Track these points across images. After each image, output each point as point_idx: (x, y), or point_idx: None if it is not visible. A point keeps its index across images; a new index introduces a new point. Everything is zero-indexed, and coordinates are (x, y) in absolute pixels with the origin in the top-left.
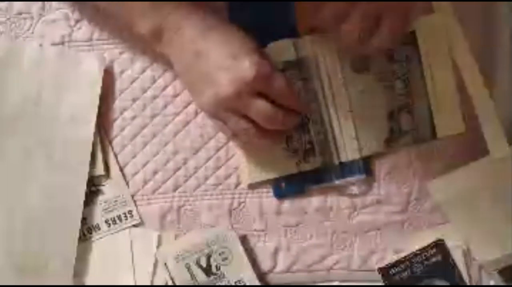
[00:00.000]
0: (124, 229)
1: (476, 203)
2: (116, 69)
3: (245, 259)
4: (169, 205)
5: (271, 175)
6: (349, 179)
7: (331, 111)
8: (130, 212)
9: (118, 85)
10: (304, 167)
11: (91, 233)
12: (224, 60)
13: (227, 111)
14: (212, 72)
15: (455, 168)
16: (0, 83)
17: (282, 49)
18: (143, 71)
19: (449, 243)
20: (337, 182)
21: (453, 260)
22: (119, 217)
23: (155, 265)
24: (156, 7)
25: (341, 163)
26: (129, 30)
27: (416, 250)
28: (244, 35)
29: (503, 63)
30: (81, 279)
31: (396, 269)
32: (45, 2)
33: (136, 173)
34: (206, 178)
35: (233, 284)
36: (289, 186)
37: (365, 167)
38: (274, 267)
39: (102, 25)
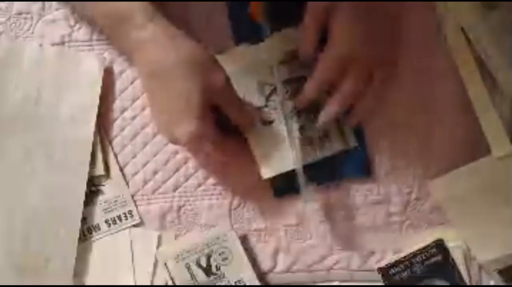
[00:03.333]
0: (124, 229)
1: (476, 202)
2: (116, 69)
3: (245, 259)
4: (169, 205)
5: (290, 166)
6: (349, 179)
7: None
8: (130, 212)
9: (118, 85)
10: (322, 154)
11: (91, 233)
12: (165, 116)
13: None
14: (157, 116)
15: (455, 168)
16: (0, 83)
17: (284, 40)
18: None
19: (449, 243)
20: (337, 182)
21: (453, 260)
22: (119, 217)
23: (155, 265)
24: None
25: (341, 163)
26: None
27: (416, 250)
28: (193, 88)
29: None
30: (81, 279)
31: (396, 269)
32: (45, 2)
33: (136, 173)
34: (206, 178)
35: (233, 284)
36: (289, 186)
37: (365, 167)
38: (274, 267)
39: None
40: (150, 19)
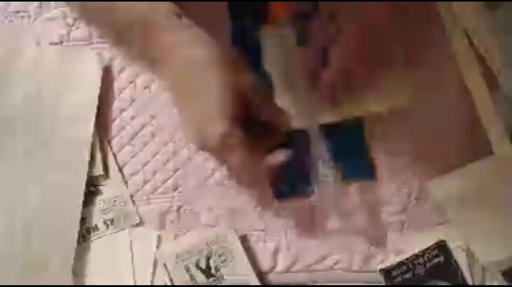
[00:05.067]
0: (123, 229)
1: (476, 203)
2: (115, 68)
3: (245, 259)
4: (169, 205)
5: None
6: (350, 179)
7: None
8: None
9: (117, 85)
10: None
11: (90, 233)
12: (195, 117)
13: None
14: (186, 121)
15: (455, 168)
16: (0, 83)
17: None
18: None
19: (451, 244)
20: (337, 182)
21: (455, 261)
22: (118, 217)
23: (155, 265)
24: None
25: (341, 163)
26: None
27: (418, 252)
28: (225, 88)
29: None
30: (81, 279)
31: (398, 271)
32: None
33: (135, 173)
34: (206, 178)
35: (233, 284)
36: (289, 186)
37: (366, 167)
38: (274, 267)
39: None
40: (179, 20)
